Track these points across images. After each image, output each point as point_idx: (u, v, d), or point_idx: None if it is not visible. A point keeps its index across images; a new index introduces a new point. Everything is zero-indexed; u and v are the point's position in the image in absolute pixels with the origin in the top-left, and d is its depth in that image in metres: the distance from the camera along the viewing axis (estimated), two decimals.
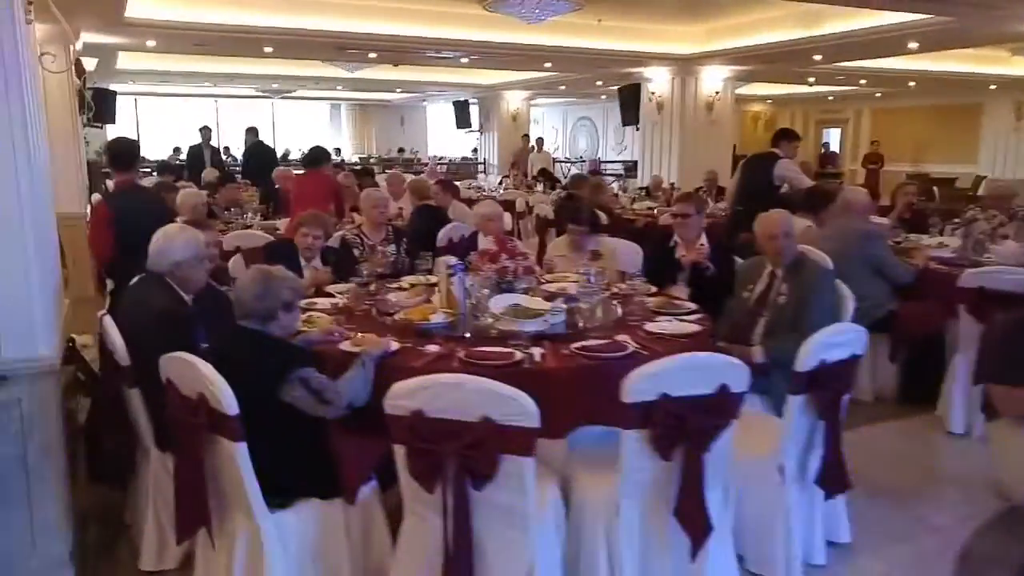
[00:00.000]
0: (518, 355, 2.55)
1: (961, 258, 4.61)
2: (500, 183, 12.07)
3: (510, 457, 1.93)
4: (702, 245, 4.05)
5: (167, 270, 2.72)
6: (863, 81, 12.65)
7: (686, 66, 10.12)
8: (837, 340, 2.44)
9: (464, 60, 9.77)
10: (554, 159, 15.83)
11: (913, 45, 8.13)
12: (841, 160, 18.09)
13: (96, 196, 6.99)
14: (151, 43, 8.59)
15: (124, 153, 4.52)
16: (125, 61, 10.93)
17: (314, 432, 2.30)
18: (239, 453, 2.03)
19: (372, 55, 9.38)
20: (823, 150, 18.57)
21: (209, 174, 9.00)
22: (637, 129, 11.56)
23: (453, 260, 3.29)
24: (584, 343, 2.68)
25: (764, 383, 3.10)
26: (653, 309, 3.23)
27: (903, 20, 7.31)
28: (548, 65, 10.25)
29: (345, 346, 2.70)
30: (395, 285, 3.92)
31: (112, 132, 14.24)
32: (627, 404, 2.08)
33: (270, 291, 2.33)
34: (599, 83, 13.15)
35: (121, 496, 2.99)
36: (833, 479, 2.54)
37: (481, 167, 16.90)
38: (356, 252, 4.39)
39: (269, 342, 2.33)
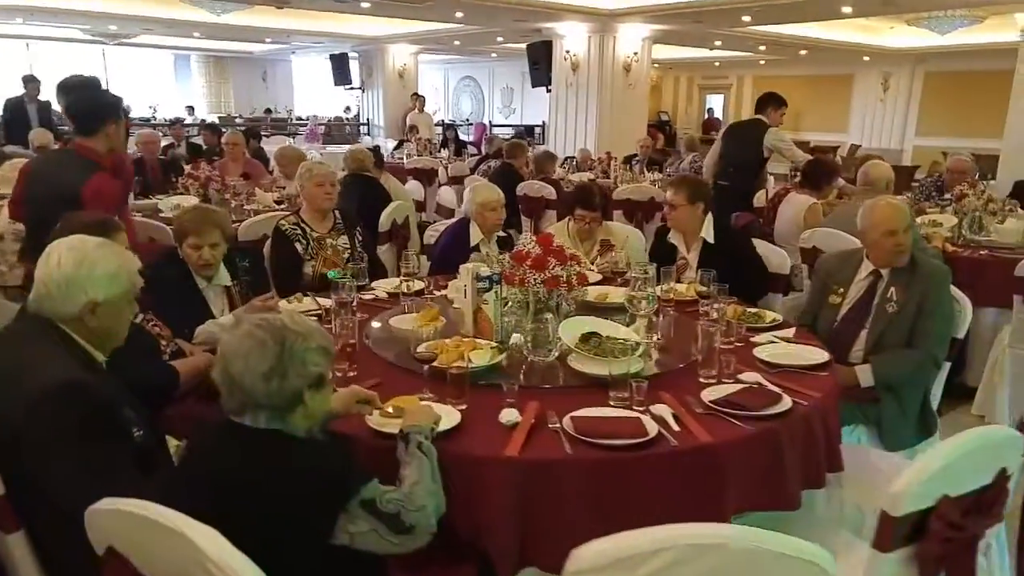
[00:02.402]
0: (648, 423, 1.74)
1: (963, 239, 4.27)
2: (398, 147, 10.88)
3: None
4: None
5: (73, 315, 1.60)
6: (762, 47, 12.61)
7: (605, 23, 9.43)
8: None
9: (365, 5, 8.48)
10: (451, 123, 14.72)
11: (847, 9, 7.92)
12: (723, 126, 18.34)
13: None
14: None
15: (84, 111, 3.09)
16: None
17: None
18: None
19: None
20: (707, 115, 18.76)
21: (40, 136, 7.14)
22: (548, 91, 10.78)
23: (484, 268, 2.38)
24: (717, 392, 1.92)
25: (872, 412, 2.52)
26: (734, 322, 2.49)
27: None
28: (459, 15, 9.17)
29: (374, 421, 1.76)
30: (369, 296, 2.94)
31: None
32: (895, 519, 1.35)
33: (290, 362, 1.37)
34: (500, 39, 12.19)
35: None
36: None
37: (364, 128, 15.44)
38: (299, 248, 3.33)
39: (304, 455, 1.39)
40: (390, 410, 1.77)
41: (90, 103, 3.14)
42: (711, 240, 3.17)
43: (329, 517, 1.34)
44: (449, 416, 1.77)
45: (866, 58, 14.13)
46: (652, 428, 1.70)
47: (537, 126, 16.54)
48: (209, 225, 2.66)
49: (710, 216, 3.21)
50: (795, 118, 17.12)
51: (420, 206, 6.32)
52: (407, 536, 1.39)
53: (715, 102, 19.02)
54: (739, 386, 1.97)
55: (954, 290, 2.60)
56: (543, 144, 11.68)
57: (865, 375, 2.49)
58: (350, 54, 14.90)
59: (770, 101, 5.47)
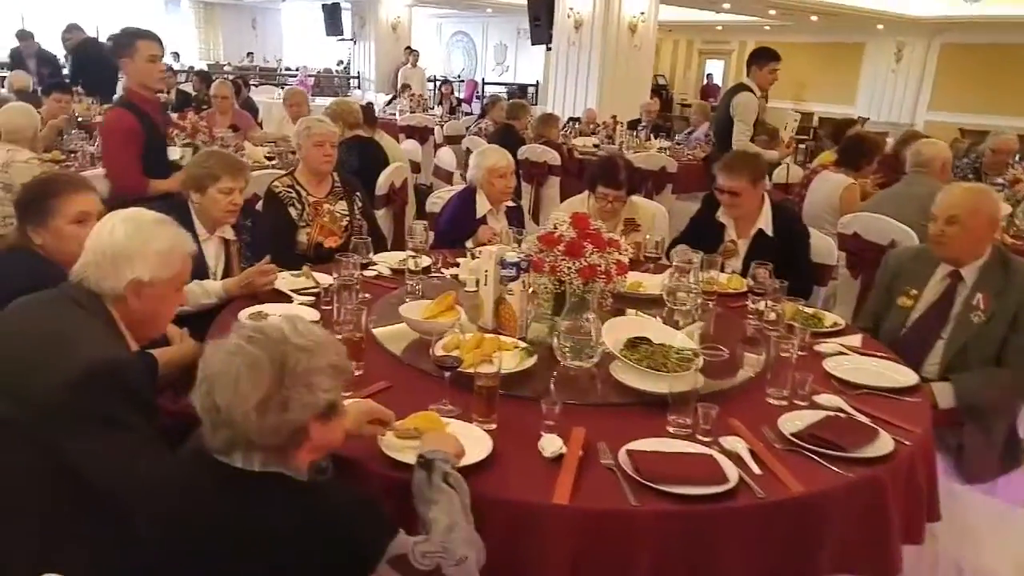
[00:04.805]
0: (725, 464, 1.41)
1: (1015, 230, 3.95)
2: (390, 103, 10.33)
3: None
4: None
5: (117, 292, 1.45)
6: (772, 12, 12.11)
7: None
8: None
9: None
10: (447, 79, 14.13)
11: None
12: (721, 93, 17.86)
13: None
14: None
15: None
16: None
17: None
18: None
19: None
20: (706, 81, 18.24)
21: (18, 80, 6.60)
22: (549, 48, 10.25)
23: (511, 253, 2.03)
24: (796, 421, 1.60)
25: (951, 437, 2.19)
26: (798, 326, 2.16)
27: None
28: None
29: (388, 445, 1.42)
30: (372, 273, 2.57)
31: None
32: None
33: (292, 388, 1.06)
34: None
35: None
36: None
37: (355, 82, 14.80)
38: (293, 213, 2.94)
39: (317, 507, 1.08)
40: (405, 429, 1.43)
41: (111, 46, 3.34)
42: (770, 232, 2.81)
43: None
44: (478, 442, 1.43)
45: (880, 26, 13.61)
46: (731, 472, 1.37)
47: (531, 85, 15.97)
48: (241, 169, 2.52)
49: (767, 199, 2.85)
50: (798, 88, 16.66)
51: (415, 167, 5.89)
52: None
53: (714, 67, 18.46)
54: (819, 413, 1.65)
55: None
56: (535, 104, 11.18)
57: (945, 395, 2.16)
58: (343, 4, 14.22)
59: (755, 58, 4.73)
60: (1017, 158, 5.37)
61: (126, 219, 1.50)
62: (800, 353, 2.00)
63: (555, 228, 2.10)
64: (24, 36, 7.92)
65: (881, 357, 2.04)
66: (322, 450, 1.14)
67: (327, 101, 10.21)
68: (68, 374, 1.27)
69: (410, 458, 1.36)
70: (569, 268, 1.97)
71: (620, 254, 2.08)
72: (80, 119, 5.66)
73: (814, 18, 12.70)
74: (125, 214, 1.53)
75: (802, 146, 10.69)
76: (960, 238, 2.27)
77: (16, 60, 7.81)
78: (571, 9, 9.64)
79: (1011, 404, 2.18)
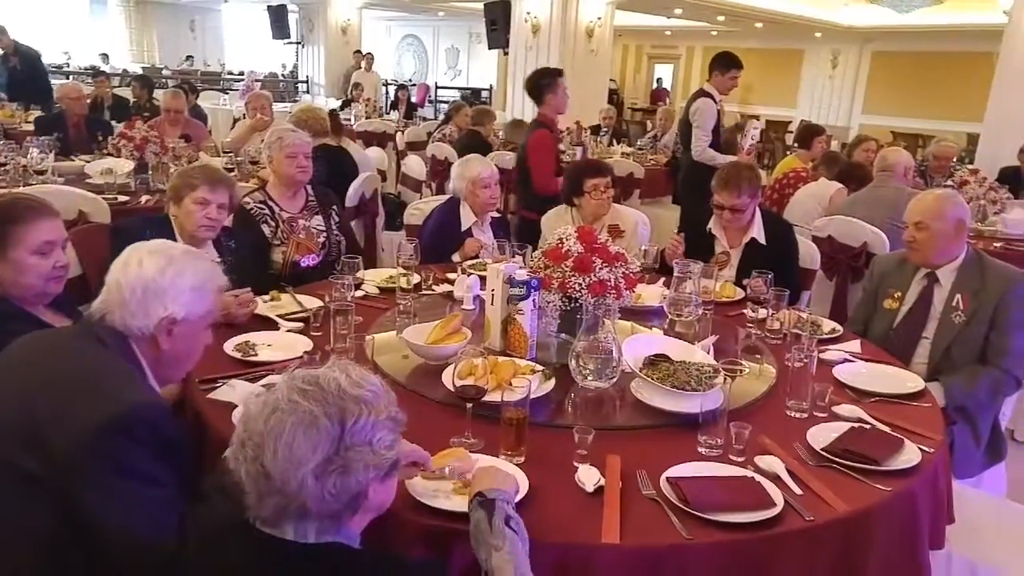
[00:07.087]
0: (769, 488, 1.38)
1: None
2: (343, 108, 10.12)
3: None
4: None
5: (146, 332, 1.33)
6: (721, 18, 12.36)
7: None
8: None
9: None
10: (404, 83, 13.92)
11: None
12: (671, 97, 18.16)
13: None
14: None
15: (529, 89, 4.13)
16: None
17: None
18: None
19: None
20: (656, 85, 18.51)
21: None
22: (505, 53, 10.22)
23: (517, 268, 1.96)
24: (824, 435, 1.59)
25: None
26: (805, 334, 2.16)
27: None
28: None
29: (418, 488, 1.33)
30: (360, 293, 2.47)
31: None
32: None
33: (353, 447, 0.95)
34: None
35: None
36: None
37: (303, 86, 14.48)
38: (266, 231, 2.81)
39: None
40: (435, 471, 1.35)
41: (534, 81, 4.11)
42: (763, 240, 2.81)
43: None
44: (520, 480, 1.36)
45: (817, 34, 14.10)
46: (777, 495, 1.35)
47: (484, 89, 15.93)
48: (223, 184, 2.43)
49: (757, 208, 2.85)
50: (744, 91, 17.03)
51: (381, 176, 5.75)
52: None
53: (664, 72, 18.75)
54: (843, 425, 1.64)
55: None
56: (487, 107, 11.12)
57: (936, 395, 2.20)
58: (289, 6, 13.89)
59: (715, 64, 4.69)
60: (957, 161, 5.59)
61: (154, 252, 1.36)
62: (807, 361, 2.01)
63: (561, 243, 2.06)
64: None
65: (882, 362, 2.07)
66: (376, 511, 1.05)
67: (279, 107, 9.98)
68: (94, 421, 1.14)
69: (441, 502, 1.29)
70: (579, 284, 1.94)
71: (627, 267, 2.06)
72: (5, 128, 5.33)
73: (759, 25, 13.02)
74: (152, 246, 1.39)
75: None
76: (928, 242, 2.35)
77: None
78: (528, 13, 9.63)
79: (995, 401, 2.24)
